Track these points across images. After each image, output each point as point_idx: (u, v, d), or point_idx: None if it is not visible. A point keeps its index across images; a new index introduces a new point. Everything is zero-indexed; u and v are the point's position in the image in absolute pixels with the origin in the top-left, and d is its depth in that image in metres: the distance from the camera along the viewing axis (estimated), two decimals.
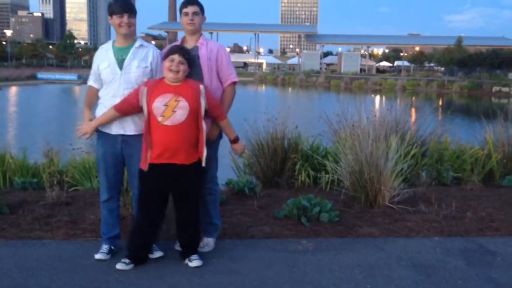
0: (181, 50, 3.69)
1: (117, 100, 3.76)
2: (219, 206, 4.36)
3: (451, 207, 5.28)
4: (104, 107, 3.83)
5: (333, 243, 4.33)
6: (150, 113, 3.59)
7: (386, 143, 5.56)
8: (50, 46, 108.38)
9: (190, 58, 3.72)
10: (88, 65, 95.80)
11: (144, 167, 3.65)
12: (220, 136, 4.08)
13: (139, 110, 3.68)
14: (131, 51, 3.83)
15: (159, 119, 3.57)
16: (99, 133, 3.89)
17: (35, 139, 13.59)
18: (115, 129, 3.81)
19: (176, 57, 3.62)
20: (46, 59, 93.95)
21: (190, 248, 3.82)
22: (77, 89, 54.07)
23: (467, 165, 6.93)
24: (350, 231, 4.64)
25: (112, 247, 3.91)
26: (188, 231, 3.81)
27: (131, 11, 3.81)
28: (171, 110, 3.57)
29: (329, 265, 3.84)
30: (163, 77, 3.71)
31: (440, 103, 37.87)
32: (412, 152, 6.41)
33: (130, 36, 3.88)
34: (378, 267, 3.82)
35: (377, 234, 4.57)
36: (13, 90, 49.48)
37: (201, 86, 3.70)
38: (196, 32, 4.00)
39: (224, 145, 4.24)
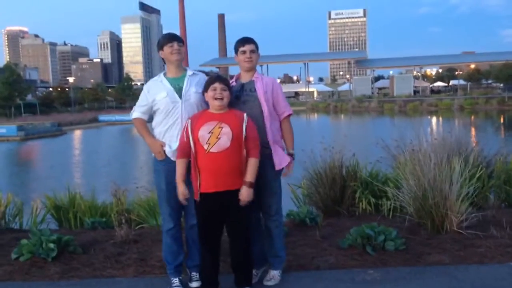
0: (219, 78, 3.84)
1: (178, 128, 3.90)
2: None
3: None
4: (165, 139, 3.96)
5: (402, 272, 4.22)
6: (196, 142, 3.69)
7: (449, 166, 5.40)
8: (109, 89, 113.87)
9: (229, 84, 3.86)
10: None
11: (196, 197, 3.75)
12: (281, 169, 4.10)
13: None
14: (186, 79, 4.02)
15: (205, 146, 3.66)
16: (158, 165, 4.02)
17: (101, 179, 14.21)
18: (174, 157, 3.89)
19: (218, 85, 3.75)
20: (106, 102, 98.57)
21: (243, 279, 3.84)
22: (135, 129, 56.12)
23: None
24: (418, 259, 4.50)
25: (181, 278, 4.00)
26: (241, 260, 3.85)
27: (179, 40, 4.04)
28: (215, 137, 3.66)
29: None
30: (207, 109, 3.85)
31: (502, 120, 36.34)
32: (478, 174, 6.18)
33: (181, 65, 4.08)
34: None
35: (447, 261, 4.41)
36: (77, 133, 52.09)
37: (245, 115, 3.78)
38: (253, 68, 4.13)
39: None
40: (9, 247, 5.20)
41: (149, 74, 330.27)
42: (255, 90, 4.02)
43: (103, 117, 69.24)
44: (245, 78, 4.12)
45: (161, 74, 4.12)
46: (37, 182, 18.69)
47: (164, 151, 3.99)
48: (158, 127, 4.03)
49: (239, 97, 3.98)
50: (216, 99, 3.74)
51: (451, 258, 4.48)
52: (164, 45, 4.00)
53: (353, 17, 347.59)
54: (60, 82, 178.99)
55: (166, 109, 3.95)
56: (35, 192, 12.98)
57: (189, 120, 3.78)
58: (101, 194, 7.84)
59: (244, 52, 4.06)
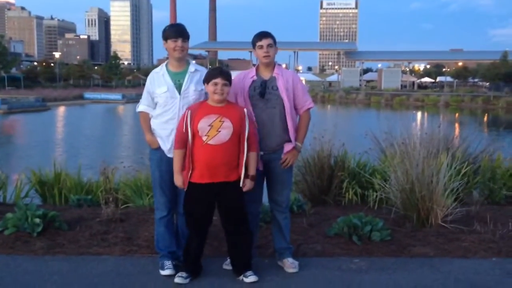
0: (222, 73, 3.81)
1: (175, 122, 3.89)
2: (264, 224, 4.53)
3: (508, 227, 5.11)
4: (161, 131, 3.98)
5: (387, 262, 4.27)
6: (195, 133, 3.71)
7: (437, 161, 5.46)
8: (96, 67, 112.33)
9: (231, 79, 3.84)
10: (132, 85, 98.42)
11: (185, 186, 3.79)
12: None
13: None
14: (187, 76, 3.99)
15: (204, 138, 3.69)
16: (154, 154, 4.05)
17: (85, 157, 14.07)
18: (170, 153, 3.96)
19: (219, 80, 3.74)
20: (92, 79, 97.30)
21: (244, 265, 3.87)
22: (121, 108, 55.70)
23: None
24: (403, 250, 4.56)
25: (174, 263, 4.00)
26: (239, 248, 3.87)
27: (185, 36, 3.98)
28: (215, 130, 3.69)
29: (385, 285, 3.79)
30: (205, 100, 3.85)
31: (487, 119, 36.82)
32: (464, 170, 6.25)
33: (183, 60, 4.05)
34: None
35: (431, 254, 4.48)
36: (61, 109, 51.40)
37: (245, 110, 3.82)
38: (271, 63, 4.10)
39: None
40: None
41: (136, 53, 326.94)
42: (277, 88, 4.02)
43: (88, 94, 68.38)
44: (265, 74, 4.09)
45: (164, 66, 4.08)
46: (20, 156, 18.45)
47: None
48: (156, 119, 4.03)
49: (262, 94, 3.98)
50: (216, 93, 3.74)
51: (436, 251, 4.55)
52: (169, 38, 3.96)
53: (344, 8, 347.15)
54: (45, 57, 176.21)
55: (164, 104, 3.96)
56: (19, 167, 12.82)
57: (188, 111, 3.77)
58: (86, 172, 7.77)
59: (261, 46, 4.02)
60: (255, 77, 4.08)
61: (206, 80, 3.81)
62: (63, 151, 19.44)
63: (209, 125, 3.69)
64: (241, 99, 4.02)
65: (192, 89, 3.96)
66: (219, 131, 3.69)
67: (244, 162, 3.77)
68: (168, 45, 3.96)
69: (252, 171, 3.83)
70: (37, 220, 4.73)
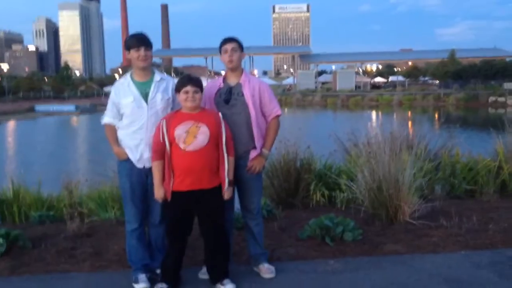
0: (191, 80, 3.78)
1: (143, 132, 3.84)
2: (236, 230, 4.52)
3: (472, 220, 5.27)
4: (128, 142, 3.90)
5: (361, 262, 4.31)
6: (172, 141, 3.68)
7: (401, 159, 5.57)
8: (46, 79, 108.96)
9: (201, 85, 3.82)
10: (85, 95, 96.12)
11: (168, 196, 3.73)
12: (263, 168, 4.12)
13: None
14: (153, 85, 3.93)
15: (181, 146, 3.66)
16: (122, 166, 3.96)
17: (43, 171, 13.56)
18: (140, 164, 3.90)
19: (190, 88, 3.72)
20: (43, 91, 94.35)
21: (221, 273, 3.82)
22: (75, 119, 54.29)
23: (481, 177, 6.93)
24: (375, 249, 4.62)
25: (148, 275, 3.90)
26: (217, 255, 3.83)
27: (147, 44, 3.91)
28: (192, 136, 3.67)
29: (361, 285, 3.82)
30: (180, 109, 3.81)
31: (439, 116, 38.08)
32: (426, 167, 6.41)
33: (148, 69, 3.98)
34: (412, 285, 3.80)
35: (402, 251, 4.56)
36: (11, 124, 49.53)
37: (220, 114, 3.81)
38: (237, 68, 4.08)
39: None
40: None
41: (88, 63, 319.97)
42: (242, 94, 4.00)
43: (39, 107, 66.30)
44: (232, 80, 4.09)
45: (128, 76, 4.00)
46: None
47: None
48: (123, 130, 3.95)
49: (228, 101, 3.97)
50: (187, 101, 3.71)
51: (406, 247, 4.64)
52: (131, 48, 3.89)
53: (296, 12, 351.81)
54: None
55: (131, 113, 3.88)
56: None
57: (163, 121, 3.74)
58: (45, 186, 7.48)
59: (226, 51, 4.03)
60: (221, 84, 4.08)
61: (177, 90, 3.78)
62: (17, 167, 18.73)
63: (186, 132, 3.66)
64: (209, 107, 4.01)
65: (159, 98, 3.90)
66: (196, 137, 3.66)
67: (225, 168, 3.74)
68: (131, 55, 3.90)
69: (231, 176, 3.81)
70: (0, 240, 4.51)
